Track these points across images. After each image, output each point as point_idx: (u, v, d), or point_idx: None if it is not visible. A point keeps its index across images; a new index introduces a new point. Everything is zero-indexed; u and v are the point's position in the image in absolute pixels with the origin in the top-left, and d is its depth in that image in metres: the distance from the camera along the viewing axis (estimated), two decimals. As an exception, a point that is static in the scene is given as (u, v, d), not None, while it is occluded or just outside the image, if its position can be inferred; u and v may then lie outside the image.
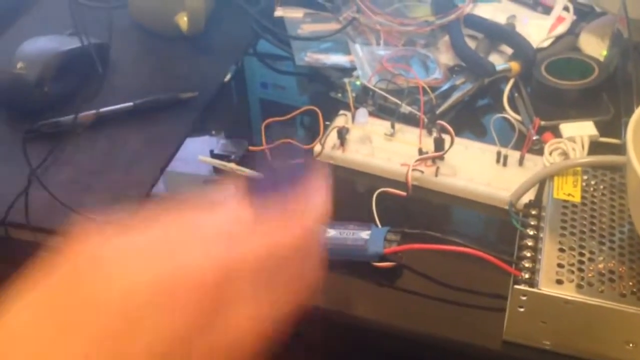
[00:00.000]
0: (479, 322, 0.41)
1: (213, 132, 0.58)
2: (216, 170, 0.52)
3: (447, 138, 0.49)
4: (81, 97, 0.58)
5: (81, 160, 0.53)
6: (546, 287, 0.36)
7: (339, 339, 0.45)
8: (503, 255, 0.40)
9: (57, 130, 0.54)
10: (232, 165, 0.51)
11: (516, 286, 0.36)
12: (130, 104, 0.56)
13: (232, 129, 0.59)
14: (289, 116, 0.55)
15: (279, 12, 0.69)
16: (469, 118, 0.56)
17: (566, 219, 0.40)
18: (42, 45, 0.58)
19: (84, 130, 0.55)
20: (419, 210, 0.48)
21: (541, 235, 0.40)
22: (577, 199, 0.41)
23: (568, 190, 0.41)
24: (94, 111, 0.55)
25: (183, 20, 0.62)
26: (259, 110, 0.62)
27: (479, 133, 0.55)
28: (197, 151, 0.54)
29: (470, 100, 0.57)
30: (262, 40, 0.67)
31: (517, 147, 0.50)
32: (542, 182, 0.44)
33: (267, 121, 0.54)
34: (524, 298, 0.36)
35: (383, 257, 0.43)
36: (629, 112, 0.46)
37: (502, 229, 0.45)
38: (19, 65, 0.56)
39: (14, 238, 0.46)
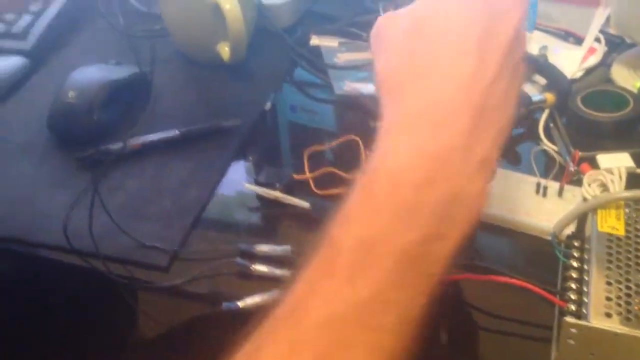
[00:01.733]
0: (525, 352, 0.42)
1: (250, 158, 0.60)
2: (259, 197, 0.54)
3: (487, 169, 0.51)
4: (127, 124, 0.60)
5: (131, 186, 0.54)
6: (596, 321, 0.37)
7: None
8: (546, 285, 0.42)
9: (108, 157, 0.56)
10: (277, 193, 0.52)
11: (567, 319, 0.37)
12: (177, 131, 0.58)
13: (271, 156, 0.61)
14: (331, 145, 0.57)
15: (315, 41, 0.71)
16: (505, 148, 0.57)
17: (612, 252, 0.41)
18: (91, 75, 0.60)
19: (132, 157, 0.56)
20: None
21: (585, 267, 0.41)
22: (621, 232, 0.42)
23: (612, 223, 0.43)
24: (142, 138, 0.57)
25: (224, 50, 0.64)
26: (297, 138, 0.64)
27: (515, 162, 0.56)
28: (237, 177, 0.56)
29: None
30: (298, 68, 0.69)
31: (552, 176, 0.51)
32: (583, 214, 0.45)
33: (309, 149, 0.56)
34: (574, 331, 0.37)
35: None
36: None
37: (543, 259, 0.47)
38: (70, 94, 0.58)
39: (79, 265, 0.48)
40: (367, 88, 0.63)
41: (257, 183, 0.54)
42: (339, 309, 0.27)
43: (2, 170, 0.57)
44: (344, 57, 0.68)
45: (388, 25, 0.34)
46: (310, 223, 0.51)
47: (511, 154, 0.57)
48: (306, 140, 0.59)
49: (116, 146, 0.56)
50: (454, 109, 0.30)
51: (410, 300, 0.28)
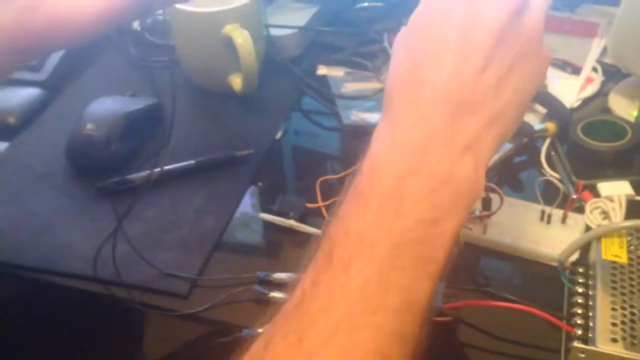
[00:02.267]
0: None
1: (259, 184, 0.61)
2: (273, 225, 0.55)
3: (494, 197, 0.53)
4: (143, 154, 0.62)
5: (149, 216, 0.56)
6: (603, 346, 0.39)
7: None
8: (553, 311, 0.44)
9: (126, 187, 0.58)
10: (292, 222, 0.54)
11: (576, 344, 0.39)
12: (192, 161, 0.60)
13: (281, 182, 0.62)
14: (341, 174, 0.59)
15: (321, 71, 0.73)
16: (509, 176, 0.59)
17: (615, 280, 0.43)
18: (108, 106, 0.62)
19: (151, 187, 0.58)
20: (470, 266, 0.52)
21: (590, 293, 0.43)
22: (624, 260, 0.44)
23: (615, 251, 0.45)
24: (159, 169, 0.59)
25: (236, 82, 0.66)
26: (303, 163, 0.66)
27: (518, 190, 0.58)
28: (251, 205, 0.58)
29: (509, 158, 0.61)
30: (306, 97, 0.71)
31: (556, 204, 0.53)
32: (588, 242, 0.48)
33: (321, 179, 0.58)
34: (583, 355, 0.39)
35: (441, 312, 0.46)
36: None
37: (549, 285, 0.48)
38: (89, 126, 0.60)
39: (103, 294, 0.49)
40: (375, 118, 0.65)
41: (271, 212, 0.56)
42: (338, 296, 0.29)
43: (22, 200, 0.59)
44: (350, 87, 0.71)
45: (397, 40, 0.36)
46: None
47: (515, 182, 0.59)
48: (313, 165, 0.61)
49: (137, 176, 0.58)
50: (434, 102, 0.31)
51: (412, 283, 0.30)
